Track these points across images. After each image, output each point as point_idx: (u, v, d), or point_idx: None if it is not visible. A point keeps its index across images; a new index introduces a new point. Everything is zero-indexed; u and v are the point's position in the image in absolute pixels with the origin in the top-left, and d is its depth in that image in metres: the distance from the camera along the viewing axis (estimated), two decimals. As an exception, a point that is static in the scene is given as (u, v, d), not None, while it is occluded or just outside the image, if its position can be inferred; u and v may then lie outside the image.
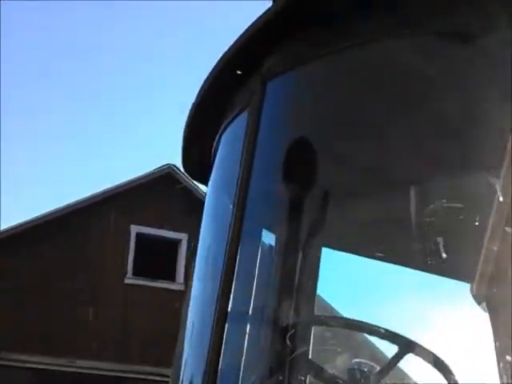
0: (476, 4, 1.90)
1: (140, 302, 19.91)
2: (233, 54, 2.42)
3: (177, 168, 20.86)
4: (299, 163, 2.32)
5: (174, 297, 19.96)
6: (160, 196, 20.47)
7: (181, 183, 20.49)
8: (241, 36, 2.39)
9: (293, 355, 2.45)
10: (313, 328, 2.46)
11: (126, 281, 20.28)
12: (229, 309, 2.19)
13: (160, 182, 20.72)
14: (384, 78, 2.11)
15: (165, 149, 35.08)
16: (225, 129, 2.61)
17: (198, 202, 20.82)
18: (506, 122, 1.81)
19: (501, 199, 1.76)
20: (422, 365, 2.13)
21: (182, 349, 2.58)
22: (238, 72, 2.50)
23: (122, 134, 37.72)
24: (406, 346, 2.16)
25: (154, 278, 20.27)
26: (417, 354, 2.15)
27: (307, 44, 2.23)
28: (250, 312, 2.50)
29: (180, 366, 2.56)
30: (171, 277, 20.50)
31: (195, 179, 3.29)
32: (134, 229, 20.57)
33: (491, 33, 1.92)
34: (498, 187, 1.77)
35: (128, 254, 20.45)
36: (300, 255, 2.51)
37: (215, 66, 2.52)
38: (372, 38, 2.05)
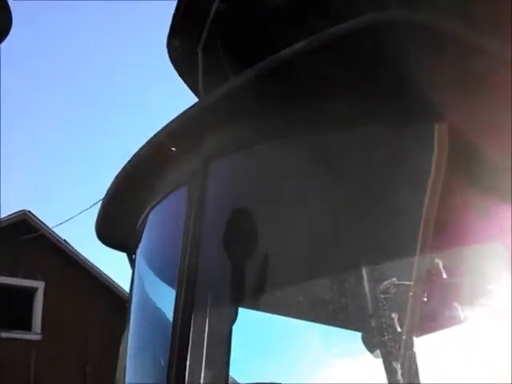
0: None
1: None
2: (171, 131, 2.51)
3: (32, 214, 20.25)
4: (238, 236, 2.44)
5: (30, 347, 19.25)
6: (15, 243, 19.73)
7: (37, 230, 19.89)
8: (180, 115, 2.49)
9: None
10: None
11: (-23, 332, 19.33)
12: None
13: (14, 228, 19.97)
14: (325, 165, 2.29)
15: (20, 194, 33.80)
16: (157, 204, 2.69)
17: (55, 250, 20.31)
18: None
19: (444, 277, 1.97)
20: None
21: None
22: (173, 149, 2.60)
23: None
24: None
25: (9, 328, 19.43)
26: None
27: (247, 129, 2.37)
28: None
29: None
30: (27, 327, 19.75)
31: (111, 247, 3.29)
32: (-14, 277, 19.69)
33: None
34: (441, 267, 1.98)
35: (-21, 303, 19.51)
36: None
37: (151, 140, 2.60)
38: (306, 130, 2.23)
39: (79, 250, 20.48)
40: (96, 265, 20.74)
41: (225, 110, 2.34)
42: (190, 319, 2.29)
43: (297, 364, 2.72)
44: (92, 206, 14.78)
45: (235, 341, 2.78)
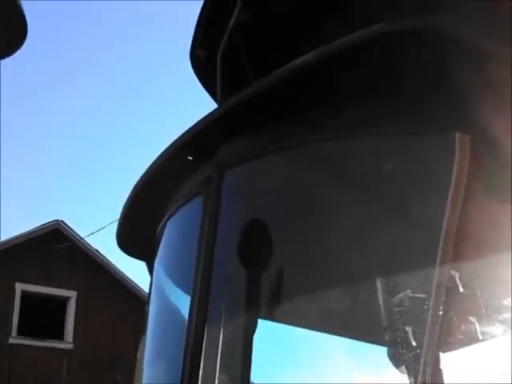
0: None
1: (26, 362, 19.19)
2: (187, 140, 2.50)
3: (65, 224, 20.46)
4: (256, 248, 2.41)
5: (62, 356, 19.40)
6: (47, 252, 19.95)
7: (69, 239, 20.10)
8: (196, 124, 2.48)
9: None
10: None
11: (11, 340, 19.53)
12: None
13: (47, 238, 20.20)
14: (341, 173, 2.24)
15: (53, 203, 34.28)
16: (174, 213, 2.68)
17: (87, 260, 20.49)
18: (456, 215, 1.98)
19: (461, 290, 1.91)
20: None
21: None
22: (190, 158, 2.59)
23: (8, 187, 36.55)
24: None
25: (41, 337, 19.62)
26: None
27: (262, 137, 2.34)
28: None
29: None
30: (59, 336, 19.92)
31: (130, 255, 3.30)
32: (19, 286, 19.92)
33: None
34: (457, 279, 1.92)
35: (12, 312, 19.74)
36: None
37: (167, 149, 2.59)
38: (329, 136, 2.19)
39: (111, 260, 20.65)
40: (127, 274, 20.89)
41: (239, 118, 2.32)
42: (204, 329, 2.26)
43: (320, 377, 2.67)
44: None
45: (255, 351, 2.75)
